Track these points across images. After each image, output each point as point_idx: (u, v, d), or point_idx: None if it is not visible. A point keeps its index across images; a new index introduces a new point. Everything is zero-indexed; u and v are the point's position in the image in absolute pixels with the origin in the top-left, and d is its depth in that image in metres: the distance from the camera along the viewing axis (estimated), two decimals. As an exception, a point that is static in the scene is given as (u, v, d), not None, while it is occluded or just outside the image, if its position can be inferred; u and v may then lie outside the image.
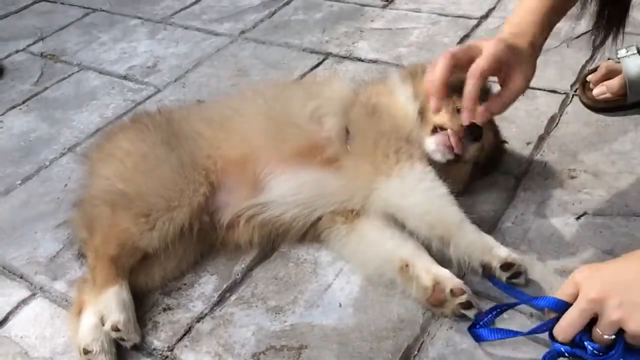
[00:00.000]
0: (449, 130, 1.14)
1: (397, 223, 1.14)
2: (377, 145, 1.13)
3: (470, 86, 1.04)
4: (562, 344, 0.89)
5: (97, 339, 1.03)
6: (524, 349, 0.98)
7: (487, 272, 1.07)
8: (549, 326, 0.91)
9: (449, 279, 1.04)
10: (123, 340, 1.04)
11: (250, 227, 1.18)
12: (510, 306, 1.01)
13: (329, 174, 1.16)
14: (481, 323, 1.00)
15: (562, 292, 0.91)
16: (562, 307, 0.90)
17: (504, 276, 1.06)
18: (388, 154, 1.12)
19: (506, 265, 1.05)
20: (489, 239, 1.08)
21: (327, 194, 1.16)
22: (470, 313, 1.02)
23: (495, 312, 1.00)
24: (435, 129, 1.16)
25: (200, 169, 1.17)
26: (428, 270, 1.06)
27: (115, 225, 1.12)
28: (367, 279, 1.13)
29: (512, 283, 1.06)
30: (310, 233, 1.21)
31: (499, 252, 1.06)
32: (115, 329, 1.03)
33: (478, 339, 0.99)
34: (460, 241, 1.07)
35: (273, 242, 1.22)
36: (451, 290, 1.02)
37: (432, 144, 1.15)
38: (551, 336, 0.90)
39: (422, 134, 1.17)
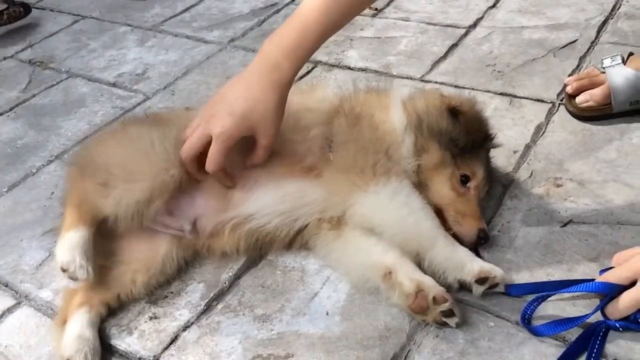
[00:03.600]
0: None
1: None
2: (356, 159, 1.13)
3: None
4: (616, 320, 0.98)
5: (81, 350, 1.02)
6: (510, 357, 0.98)
7: (464, 287, 1.07)
8: (600, 307, 0.99)
9: (432, 286, 1.04)
10: (73, 279, 1.08)
11: (236, 236, 1.18)
12: (552, 294, 1.03)
13: (309, 183, 1.16)
14: (528, 316, 1.02)
15: (615, 276, 0.99)
16: (615, 290, 0.98)
17: (481, 290, 1.06)
18: (364, 168, 1.12)
19: (481, 280, 1.05)
20: (462, 255, 1.08)
21: (307, 203, 1.16)
22: (452, 321, 1.02)
23: (537, 302, 1.02)
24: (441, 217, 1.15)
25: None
26: (411, 278, 1.05)
27: (80, 187, 1.17)
28: (354, 286, 1.13)
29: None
30: (298, 240, 1.20)
31: (472, 268, 1.06)
32: (62, 269, 1.07)
33: (537, 334, 1.00)
34: (434, 258, 1.08)
35: (260, 249, 1.21)
36: (434, 298, 1.02)
37: None
38: (603, 313, 0.99)
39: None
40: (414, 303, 1.03)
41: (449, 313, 1.02)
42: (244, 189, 1.18)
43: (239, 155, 1.17)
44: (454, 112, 1.19)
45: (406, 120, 1.19)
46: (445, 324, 1.03)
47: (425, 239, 1.09)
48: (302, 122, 1.20)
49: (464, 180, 1.17)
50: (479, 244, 1.15)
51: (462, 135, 1.18)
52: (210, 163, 1.12)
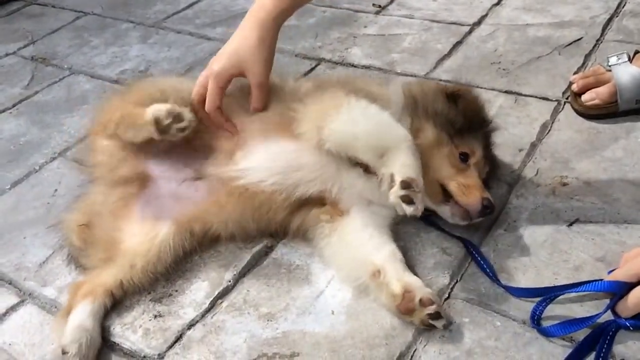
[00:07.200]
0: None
1: (377, 224, 1.17)
2: (334, 98, 1.17)
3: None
4: (626, 318, 0.98)
5: (77, 340, 1.02)
6: (517, 357, 0.98)
7: (389, 182, 1.06)
8: (610, 306, 0.99)
9: (419, 288, 1.04)
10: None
11: (235, 194, 1.19)
12: (561, 294, 1.03)
13: (302, 146, 1.17)
14: (537, 316, 1.01)
15: (624, 273, 0.99)
16: (624, 289, 0.98)
17: (396, 193, 1.03)
18: (338, 100, 1.15)
19: (405, 183, 1.03)
20: (418, 162, 1.08)
21: (302, 165, 1.17)
22: (439, 324, 1.01)
23: (546, 302, 1.02)
24: (446, 194, 1.17)
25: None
26: (399, 278, 1.05)
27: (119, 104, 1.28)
28: (346, 283, 1.13)
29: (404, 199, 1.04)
30: (296, 221, 1.21)
31: (410, 172, 1.04)
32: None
33: (547, 335, 1.00)
34: (392, 156, 1.07)
35: (258, 219, 1.21)
36: (420, 300, 1.02)
37: (447, 213, 1.18)
38: (613, 312, 0.99)
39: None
40: (401, 304, 1.03)
41: (436, 316, 1.01)
42: (243, 148, 1.21)
43: (241, 109, 1.26)
44: (452, 96, 1.23)
45: (403, 100, 1.23)
46: (432, 326, 1.02)
47: (392, 140, 1.09)
48: (301, 91, 1.27)
49: (464, 158, 1.19)
50: (485, 214, 1.14)
51: (460, 118, 1.20)
52: (207, 102, 1.23)
